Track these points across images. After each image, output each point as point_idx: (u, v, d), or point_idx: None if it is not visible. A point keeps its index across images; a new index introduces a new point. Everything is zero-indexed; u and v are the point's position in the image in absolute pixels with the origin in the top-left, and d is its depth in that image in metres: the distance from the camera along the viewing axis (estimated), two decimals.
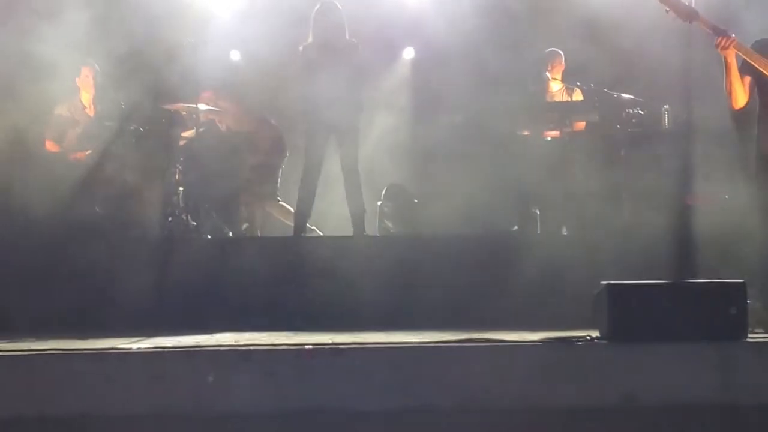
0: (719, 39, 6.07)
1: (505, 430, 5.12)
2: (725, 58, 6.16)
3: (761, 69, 6.15)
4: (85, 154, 9.36)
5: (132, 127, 9.31)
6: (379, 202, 10.30)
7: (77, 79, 9.60)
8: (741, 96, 6.26)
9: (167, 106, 9.57)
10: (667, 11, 6.13)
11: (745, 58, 6.16)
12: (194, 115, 9.64)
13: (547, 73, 9.84)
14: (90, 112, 9.66)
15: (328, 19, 8.96)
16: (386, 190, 10.41)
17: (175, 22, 10.06)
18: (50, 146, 9.57)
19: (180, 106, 9.58)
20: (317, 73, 8.77)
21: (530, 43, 10.30)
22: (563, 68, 9.86)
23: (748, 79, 6.31)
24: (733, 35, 6.10)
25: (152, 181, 9.28)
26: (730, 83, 6.21)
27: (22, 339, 5.98)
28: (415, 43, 11.78)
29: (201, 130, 9.63)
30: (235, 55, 11.62)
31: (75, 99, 9.65)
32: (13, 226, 8.40)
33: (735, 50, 6.10)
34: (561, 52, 9.94)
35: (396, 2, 10.63)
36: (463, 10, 10.37)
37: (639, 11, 9.12)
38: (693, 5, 6.15)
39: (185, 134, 9.86)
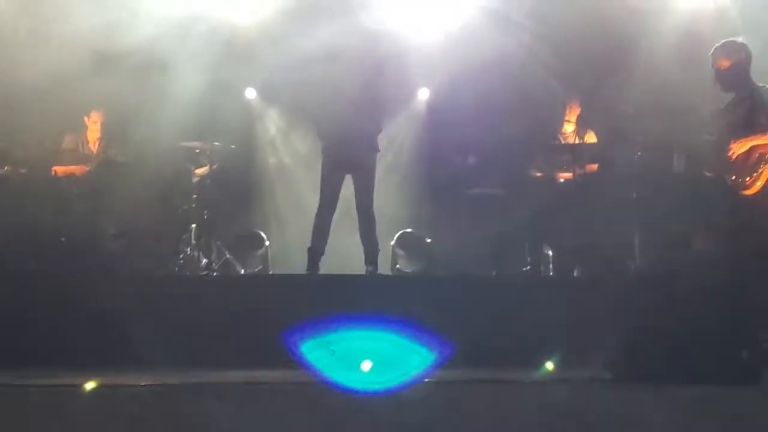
0: None
1: None
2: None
3: None
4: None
5: (144, 164, 9.32)
6: (392, 243, 10.32)
7: (86, 118, 9.59)
8: None
9: (183, 143, 9.61)
10: None
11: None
12: (208, 152, 9.65)
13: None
14: (94, 149, 9.61)
15: (358, 54, 8.89)
16: (398, 237, 10.46)
17: None
18: (60, 171, 9.45)
19: (195, 143, 9.63)
20: (339, 110, 8.74)
21: (547, 84, 10.31)
22: (579, 111, 9.88)
23: None
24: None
25: (164, 218, 9.27)
26: None
27: (28, 374, 5.97)
28: (429, 83, 11.80)
29: (215, 166, 9.65)
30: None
31: (82, 134, 9.62)
32: (24, 262, 8.40)
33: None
34: (577, 95, 9.97)
35: (411, 43, 10.66)
36: (479, 51, 10.39)
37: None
38: None
39: (198, 171, 9.88)
